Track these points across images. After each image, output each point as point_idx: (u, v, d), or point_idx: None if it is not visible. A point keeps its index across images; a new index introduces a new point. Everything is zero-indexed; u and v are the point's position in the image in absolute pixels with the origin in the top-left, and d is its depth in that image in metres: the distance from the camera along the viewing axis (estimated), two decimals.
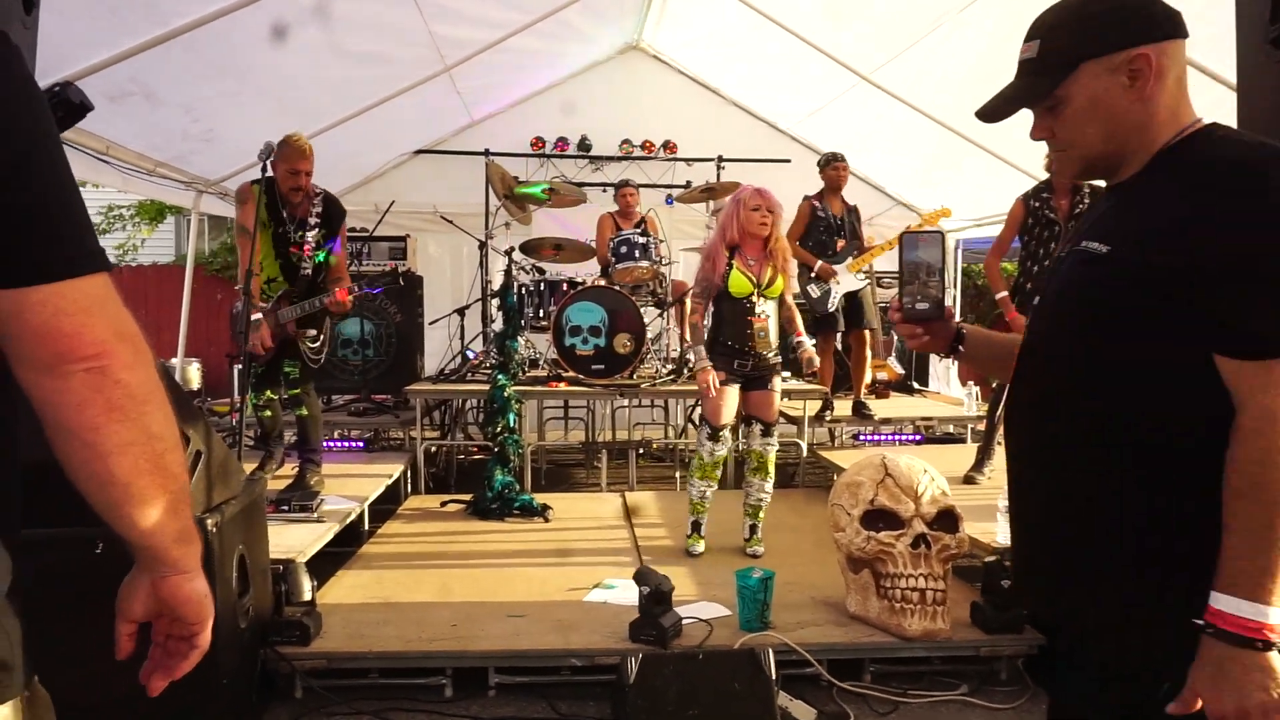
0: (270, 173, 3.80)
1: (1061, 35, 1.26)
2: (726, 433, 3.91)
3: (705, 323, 3.94)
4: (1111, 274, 1.20)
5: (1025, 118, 1.34)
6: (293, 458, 4.36)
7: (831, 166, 5.67)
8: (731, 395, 3.84)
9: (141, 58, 3.99)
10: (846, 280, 5.59)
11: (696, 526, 4.02)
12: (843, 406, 6.04)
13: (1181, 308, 1.12)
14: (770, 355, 3.85)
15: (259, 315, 3.84)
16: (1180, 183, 1.17)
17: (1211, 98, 4.27)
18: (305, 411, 4.18)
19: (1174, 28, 1.23)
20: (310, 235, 3.97)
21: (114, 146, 4.60)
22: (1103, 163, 1.27)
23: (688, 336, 4.12)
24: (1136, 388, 1.17)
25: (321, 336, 4.12)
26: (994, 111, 1.33)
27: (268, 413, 4.26)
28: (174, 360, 6.52)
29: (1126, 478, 1.18)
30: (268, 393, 4.18)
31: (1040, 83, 1.27)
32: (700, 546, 3.99)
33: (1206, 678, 1.08)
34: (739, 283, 3.77)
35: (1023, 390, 1.35)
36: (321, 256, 4.04)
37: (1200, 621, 1.08)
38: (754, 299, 3.79)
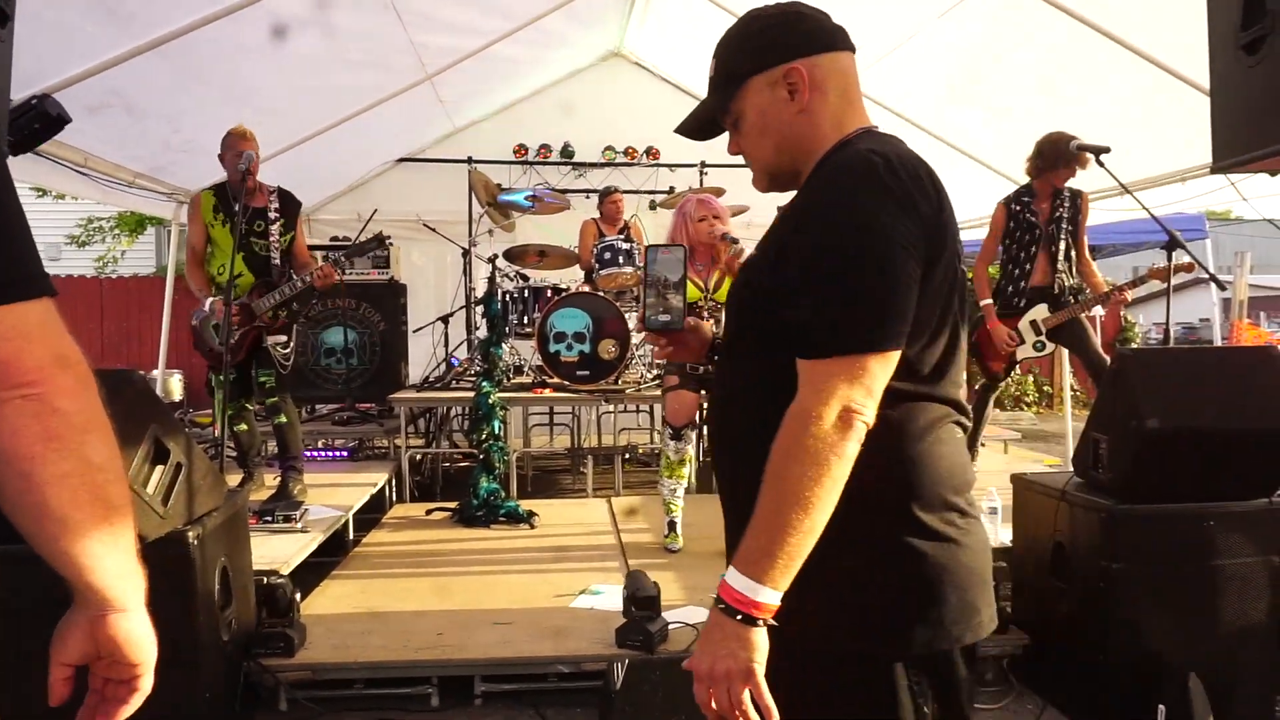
0: (231, 169, 3.89)
1: (731, 53, 1.32)
2: (689, 431, 4.03)
3: None
4: (751, 279, 1.29)
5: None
6: (275, 468, 4.34)
7: None
8: (688, 398, 3.95)
9: (121, 69, 3.96)
10: None
11: (672, 525, 4.13)
12: None
13: (785, 309, 1.18)
14: None
15: (214, 299, 3.91)
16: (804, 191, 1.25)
17: (1186, 104, 4.33)
18: (284, 419, 4.16)
19: (829, 41, 1.28)
20: (273, 226, 3.99)
21: (92, 158, 4.56)
22: (781, 174, 1.32)
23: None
24: (769, 386, 1.20)
25: (291, 342, 4.12)
26: (687, 130, 1.40)
27: (243, 426, 4.22)
28: (155, 372, 6.46)
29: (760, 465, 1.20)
30: (241, 402, 4.15)
31: (717, 100, 1.33)
32: (678, 544, 4.09)
33: (702, 636, 1.15)
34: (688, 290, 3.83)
35: (715, 387, 1.43)
36: (286, 244, 4.07)
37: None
38: (700, 304, 3.89)
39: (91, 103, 4.07)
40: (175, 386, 7.40)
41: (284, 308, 4.04)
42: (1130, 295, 4.39)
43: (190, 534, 2.38)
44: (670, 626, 2.95)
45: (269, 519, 3.75)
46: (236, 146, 3.84)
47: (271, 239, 3.98)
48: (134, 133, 4.68)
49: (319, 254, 5.01)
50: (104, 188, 4.87)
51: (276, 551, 3.43)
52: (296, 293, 3.97)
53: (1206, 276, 4.47)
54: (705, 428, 4.09)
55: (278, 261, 4.01)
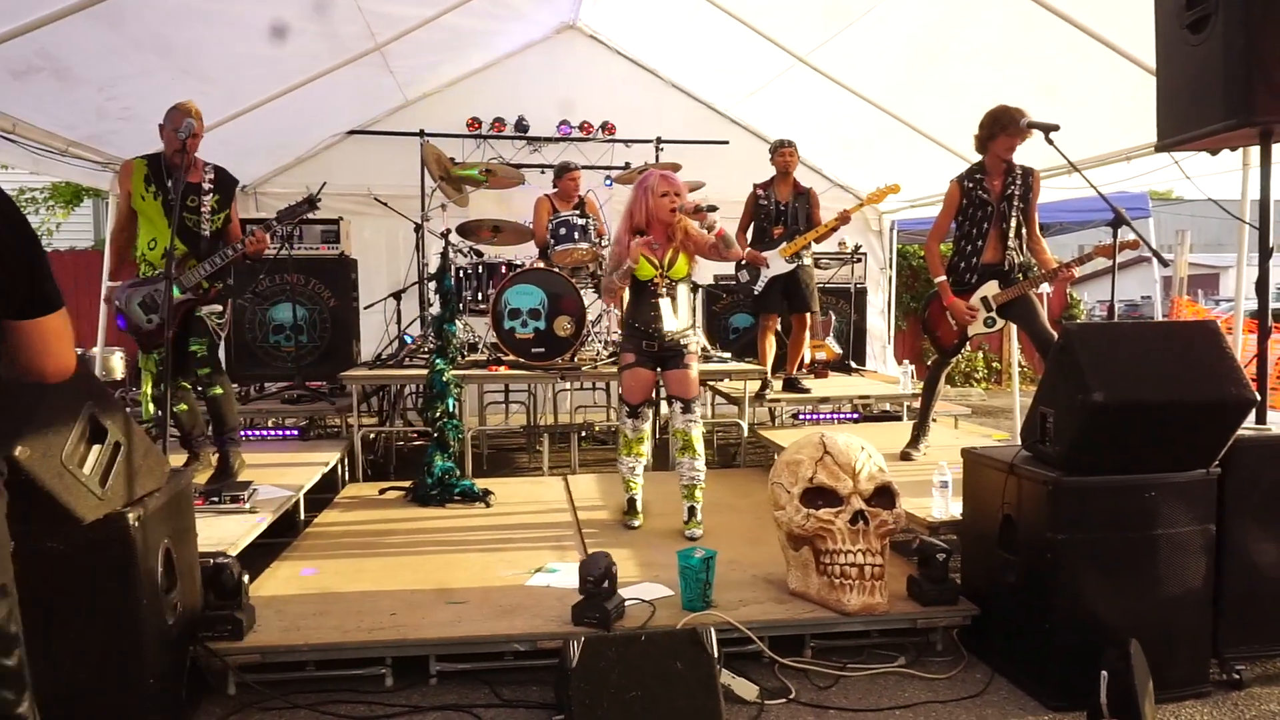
0: (175, 144, 3.74)
1: None
2: (645, 409, 4.06)
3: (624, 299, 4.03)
4: None
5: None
6: (213, 444, 4.20)
7: (778, 153, 5.79)
8: (644, 376, 3.98)
9: (48, 31, 3.78)
10: (776, 264, 5.67)
11: (631, 502, 4.15)
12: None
13: None
14: (679, 335, 3.94)
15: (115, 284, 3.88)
16: None
17: (1133, 82, 4.41)
18: (219, 390, 4.03)
19: None
20: (206, 199, 3.87)
21: (21, 124, 4.37)
22: None
23: (606, 288, 4.09)
24: None
25: (226, 312, 4.02)
26: None
27: (183, 405, 4.06)
28: (94, 350, 6.25)
29: None
30: (179, 380, 3.98)
31: None
32: (637, 521, 4.12)
33: None
34: (643, 267, 3.88)
35: None
36: (219, 223, 3.93)
37: None
38: (657, 281, 3.88)
39: (17, 66, 3.88)
40: (116, 365, 7.15)
41: (216, 279, 3.94)
42: (1077, 272, 4.48)
43: (130, 515, 2.31)
44: (626, 603, 2.95)
45: (215, 499, 3.67)
46: (176, 120, 3.70)
47: (203, 212, 3.86)
48: (66, 99, 4.49)
49: (266, 218, 4.87)
50: (35, 156, 4.67)
51: (224, 533, 3.35)
52: (227, 261, 3.85)
53: (1150, 254, 4.57)
54: (665, 404, 4.09)
55: (207, 235, 3.88)
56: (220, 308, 3.97)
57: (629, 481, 4.14)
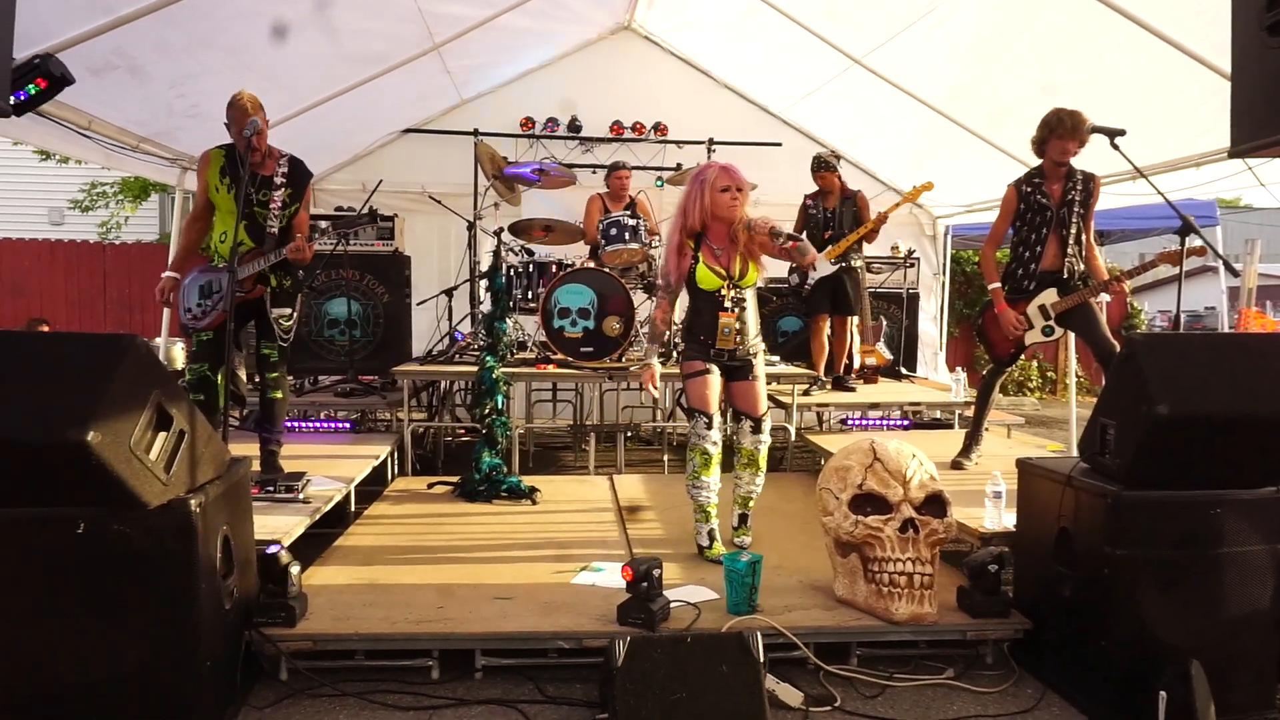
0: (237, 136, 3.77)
1: None
2: (718, 418, 3.69)
3: (676, 318, 3.86)
4: None
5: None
6: (252, 432, 4.22)
7: (819, 175, 5.95)
8: (714, 381, 3.63)
9: (125, 30, 3.91)
10: (824, 266, 5.83)
11: (712, 535, 3.68)
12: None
13: None
14: (746, 347, 3.64)
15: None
16: None
17: (1204, 86, 4.27)
18: (279, 394, 4.07)
19: None
20: (277, 194, 3.88)
21: (96, 121, 4.52)
22: None
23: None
24: None
25: (294, 313, 4.05)
26: None
27: (199, 396, 3.84)
28: (158, 340, 6.44)
29: None
30: (204, 368, 3.88)
31: None
32: (721, 552, 3.57)
33: None
34: (707, 278, 3.53)
35: None
36: (286, 219, 3.93)
37: None
38: (723, 292, 3.53)
39: (95, 64, 4.02)
40: (178, 355, 7.37)
41: (287, 275, 3.98)
42: (1140, 280, 4.35)
43: (193, 502, 2.37)
44: (671, 605, 2.94)
45: (271, 489, 3.75)
46: (239, 120, 3.74)
47: (272, 207, 3.89)
48: (138, 96, 4.64)
49: (321, 224, 4.95)
50: (108, 151, 4.82)
51: (278, 522, 3.43)
52: (267, 265, 3.86)
53: (1215, 263, 4.43)
54: (732, 419, 3.77)
55: (274, 231, 3.90)
56: (289, 310, 3.99)
57: (707, 510, 3.66)
